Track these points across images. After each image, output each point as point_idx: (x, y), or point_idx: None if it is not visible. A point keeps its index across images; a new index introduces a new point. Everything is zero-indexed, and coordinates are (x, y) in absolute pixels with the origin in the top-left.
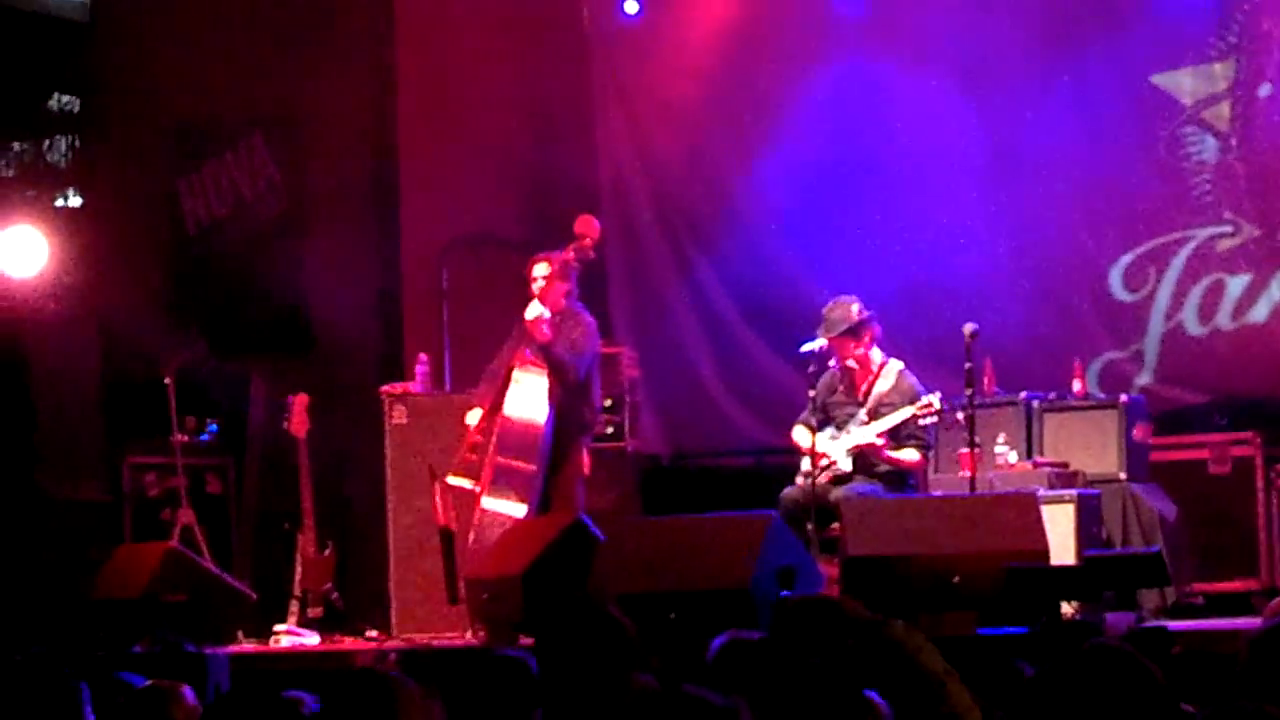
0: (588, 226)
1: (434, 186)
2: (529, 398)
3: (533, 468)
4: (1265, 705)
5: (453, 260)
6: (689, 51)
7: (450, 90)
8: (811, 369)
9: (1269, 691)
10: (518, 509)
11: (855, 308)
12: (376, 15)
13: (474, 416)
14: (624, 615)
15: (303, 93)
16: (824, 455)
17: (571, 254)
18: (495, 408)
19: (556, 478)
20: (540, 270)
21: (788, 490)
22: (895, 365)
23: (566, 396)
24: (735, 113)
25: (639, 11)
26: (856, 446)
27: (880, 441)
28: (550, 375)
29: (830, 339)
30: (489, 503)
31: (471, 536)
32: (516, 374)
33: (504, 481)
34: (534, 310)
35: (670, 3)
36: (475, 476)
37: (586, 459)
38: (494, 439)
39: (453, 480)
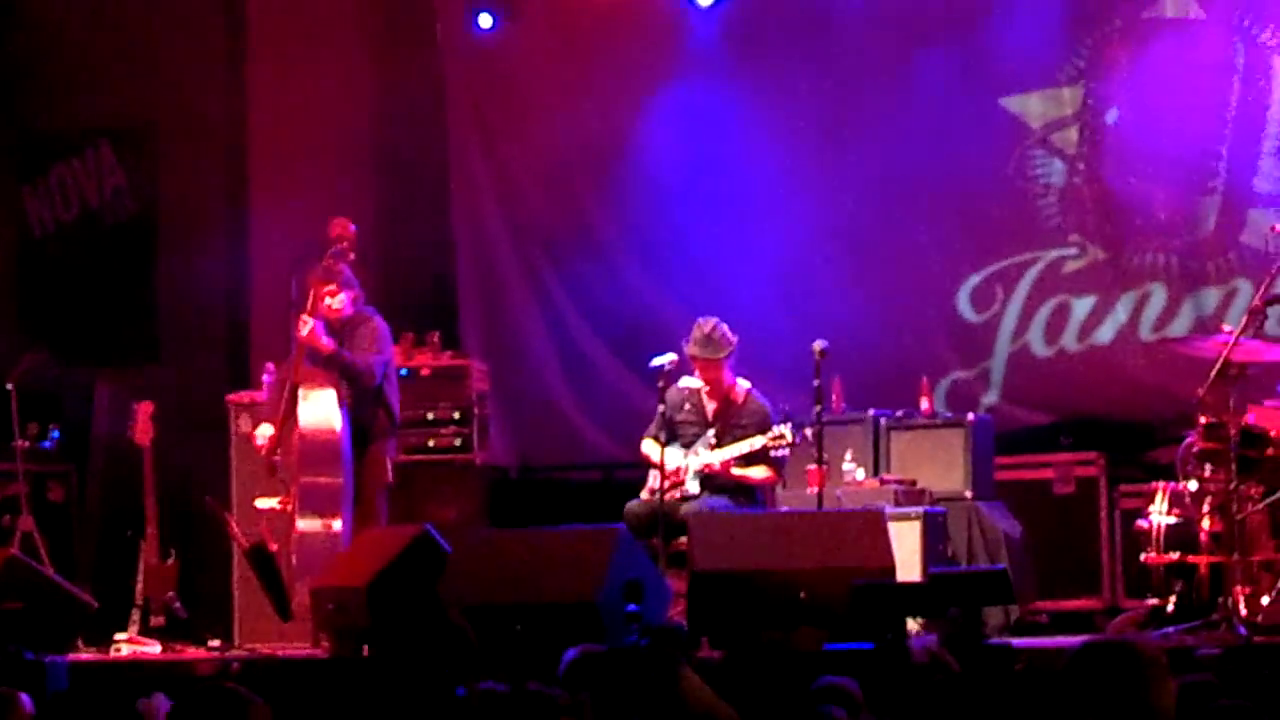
0: (343, 228)
1: (285, 196)
2: (320, 411)
3: (338, 480)
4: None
5: (302, 270)
6: (544, 68)
7: (303, 100)
8: (661, 384)
9: (1086, 708)
10: (333, 523)
11: (725, 331)
12: (229, 22)
13: (264, 432)
14: (466, 623)
15: (153, 99)
16: (674, 472)
17: (330, 260)
18: (287, 428)
19: (359, 487)
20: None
21: (631, 504)
22: (743, 385)
23: (362, 403)
24: (589, 131)
25: (493, 26)
26: (705, 468)
27: (722, 465)
28: (338, 385)
29: (704, 359)
30: (304, 524)
31: (294, 558)
32: (301, 391)
33: (312, 500)
34: (304, 326)
35: (526, 19)
36: (279, 494)
37: (389, 466)
38: (295, 459)
39: (261, 503)
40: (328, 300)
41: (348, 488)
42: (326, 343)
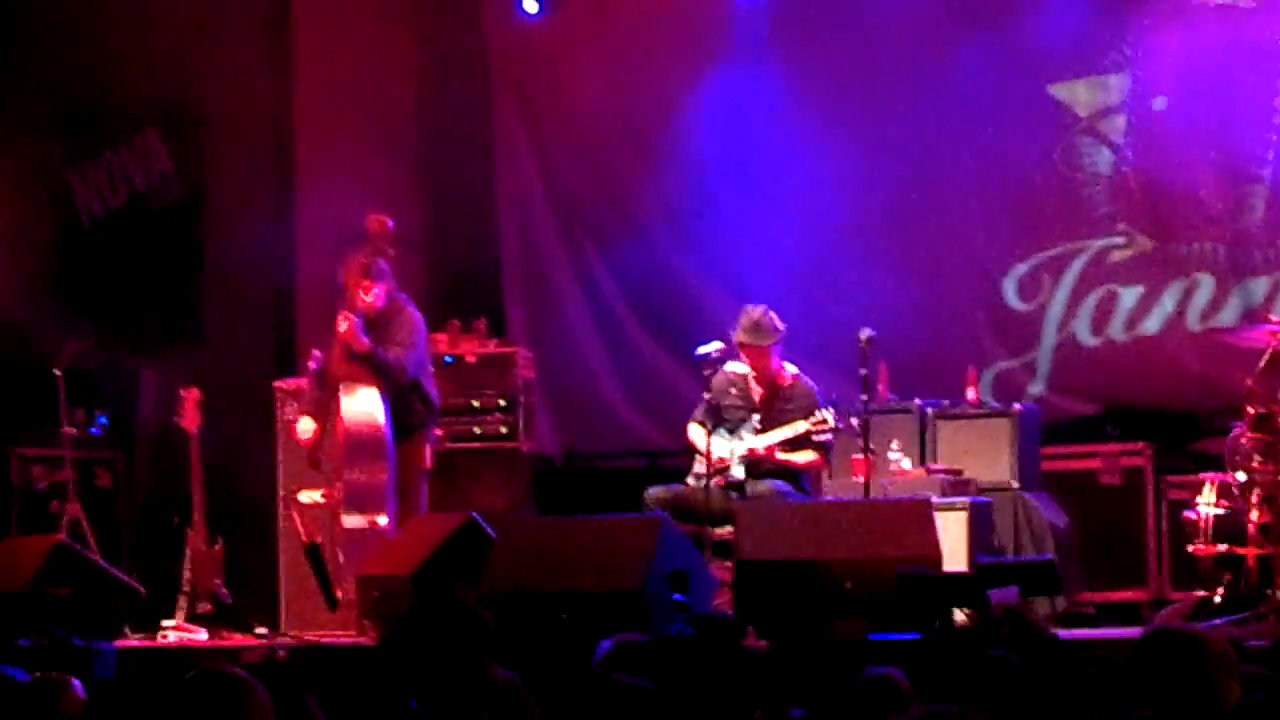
0: (380, 225)
1: (331, 182)
2: (362, 407)
3: (382, 476)
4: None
5: (349, 256)
6: (589, 52)
7: (349, 86)
8: (707, 372)
9: (1148, 697)
10: (378, 519)
11: (774, 319)
12: (274, 6)
13: (305, 427)
14: (485, 610)
15: (199, 85)
16: (720, 460)
17: (365, 256)
18: (329, 423)
19: (401, 477)
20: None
21: (651, 490)
22: (790, 369)
23: (400, 395)
24: (635, 115)
25: (539, 12)
26: (750, 452)
27: (765, 450)
28: (378, 379)
29: (752, 346)
30: (349, 520)
31: (340, 555)
32: (343, 386)
33: (357, 496)
34: (343, 323)
35: (570, 3)
36: (323, 487)
37: (429, 454)
38: (341, 456)
39: (304, 497)
40: (362, 295)
41: (391, 482)
42: (364, 341)
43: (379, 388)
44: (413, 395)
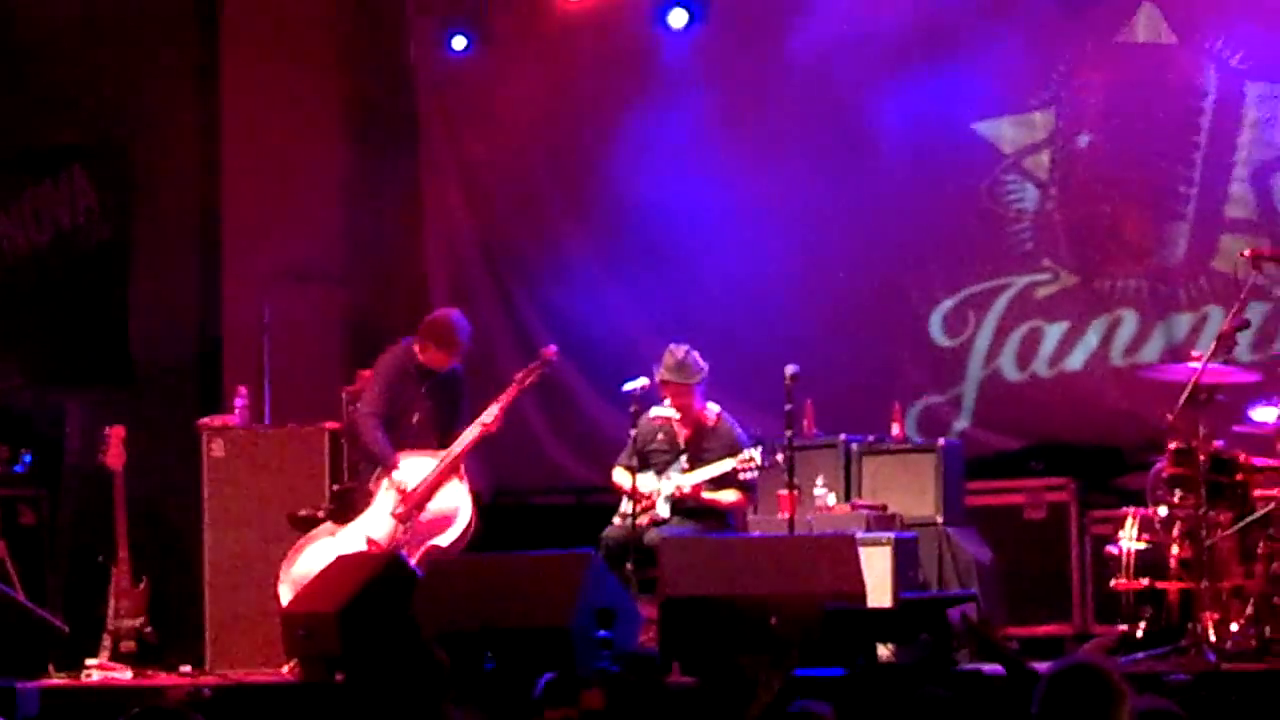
0: (554, 356)
1: (258, 220)
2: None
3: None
4: None
5: (274, 294)
6: (517, 91)
7: (276, 121)
8: (633, 408)
9: None
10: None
11: (697, 358)
12: (201, 43)
13: (404, 481)
14: (440, 650)
15: (125, 122)
16: (645, 496)
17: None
18: (420, 496)
19: None
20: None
21: (608, 530)
22: (714, 409)
23: None
24: (562, 153)
25: (467, 47)
26: (676, 492)
27: (693, 488)
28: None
29: (675, 384)
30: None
31: None
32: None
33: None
34: (498, 423)
35: (499, 41)
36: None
37: None
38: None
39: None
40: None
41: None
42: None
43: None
44: None
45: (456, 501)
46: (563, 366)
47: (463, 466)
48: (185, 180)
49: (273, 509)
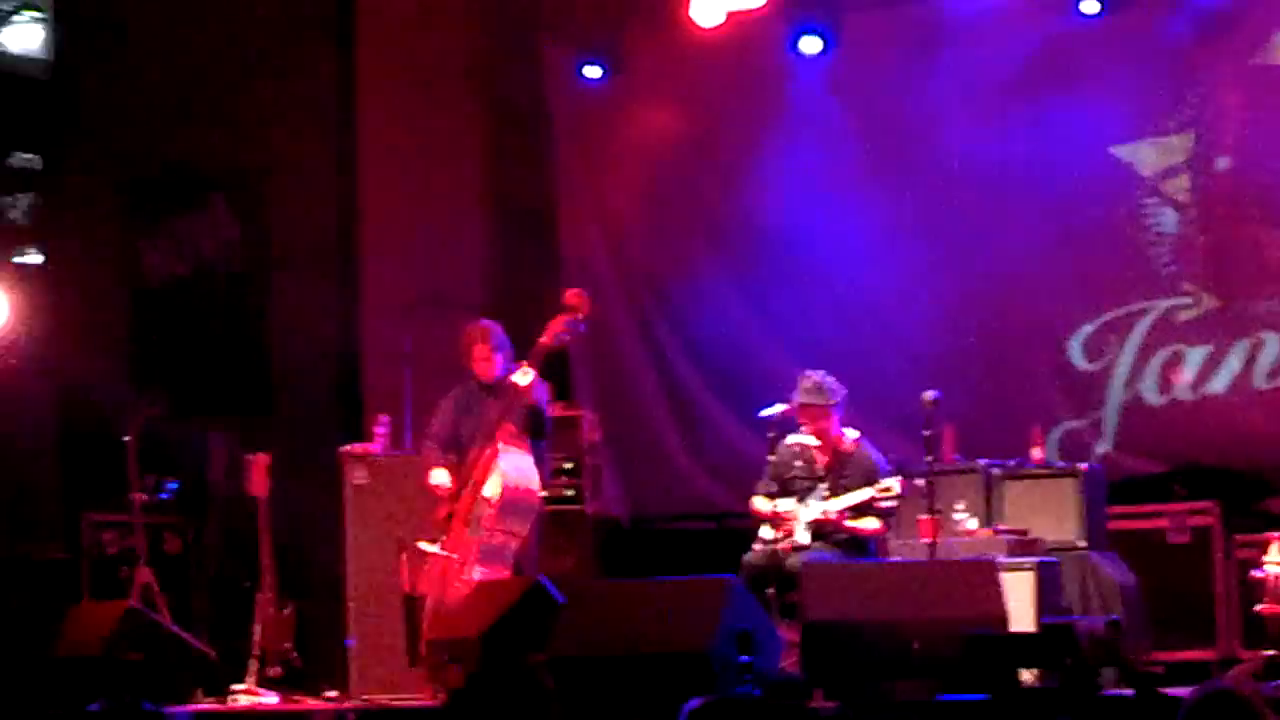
0: (580, 299)
1: (396, 247)
2: (522, 469)
3: (524, 535)
4: None
5: (415, 321)
6: (651, 119)
7: (414, 149)
8: (771, 434)
9: None
10: (504, 572)
11: (834, 382)
12: (339, 73)
13: (442, 478)
14: (545, 675)
15: (265, 151)
16: (787, 518)
17: (565, 327)
18: (475, 482)
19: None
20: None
21: (749, 555)
22: (852, 434)
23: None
24: (699, 178)
25: (601, 76)
26: (815, 520)
27: (837, 515)
28: (529, 444)
29: (808, 407)
30: (480, 574)
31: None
32: (503, 447)
33: (495, 554)
34: (527, 376)
35: (632, 70)
36: (449, 542)
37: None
38: (493, 513)
39: (426, 546)
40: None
41: (528, 541)
42: (537, 393)
43: (532, 454)
44: (542, 463)
45: (515, 473)
46: (701, 391)
47: (525, 444)
48: (324, 210)
49: (413, 535)
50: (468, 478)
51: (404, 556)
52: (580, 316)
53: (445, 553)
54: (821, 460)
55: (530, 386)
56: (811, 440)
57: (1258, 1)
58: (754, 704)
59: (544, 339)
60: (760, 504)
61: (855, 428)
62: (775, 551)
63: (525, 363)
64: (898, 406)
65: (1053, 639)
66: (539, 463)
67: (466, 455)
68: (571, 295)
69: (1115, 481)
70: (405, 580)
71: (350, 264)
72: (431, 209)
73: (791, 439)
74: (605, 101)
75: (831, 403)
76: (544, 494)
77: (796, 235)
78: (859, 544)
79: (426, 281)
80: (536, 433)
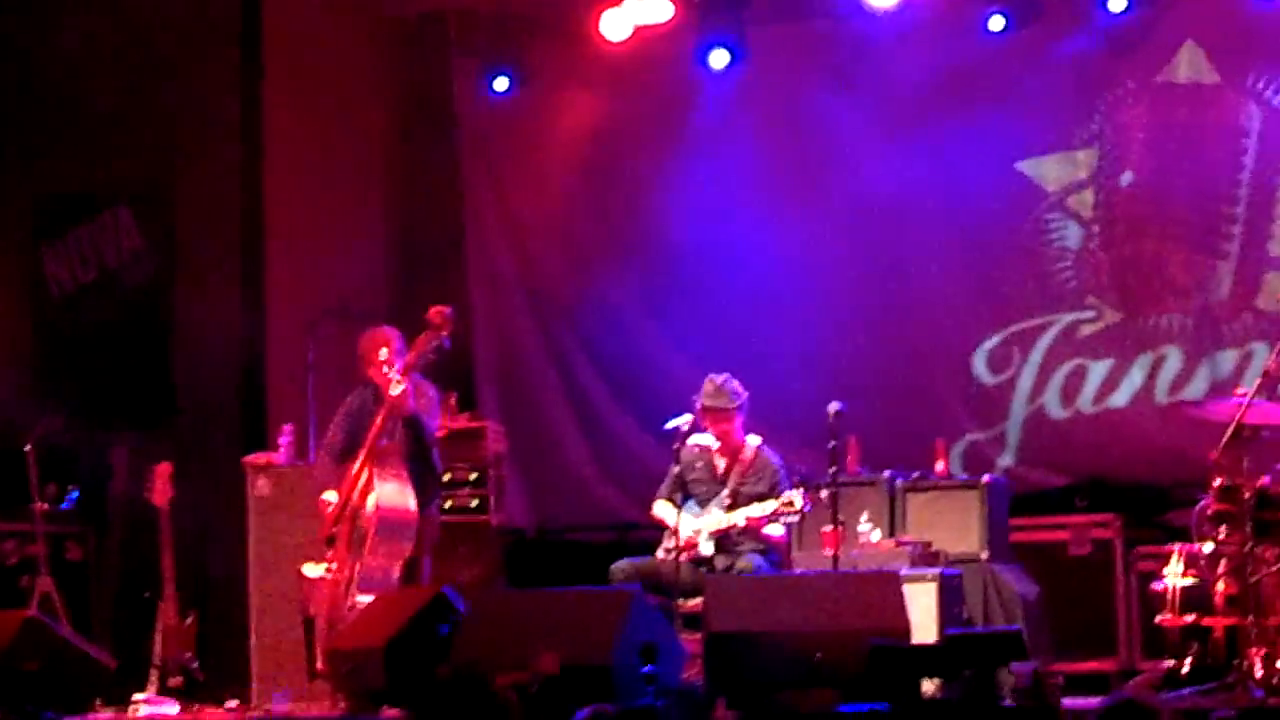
0: (444, 318)
1: (301, 258)
2: (397, 492)
3: (402, 559)
4: None
5: (318, 332)
6: (559, 132)
7: (318, 162)
8: (676, 445)
9: None
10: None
11: (737, 386)
12: (245, 86)
13: (332, 498)
14: (511, 693)
15: (170, 162)
16: (689, 537)
17: (430, 346)
18: (354, 503)
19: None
20: (382, 353)
21: (618, 563)
22: (753, 442)
23: (419, 469)
24: (605, 190)
25: (509, 89)
26: (718, 530)
27: (742, 523)
28: (406, 463)
29: (710, 410)
30: (363, 599)
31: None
32: (377, 471)
33: (374, 578)
34: (399, 387)
35: (541, 84)
36: (333, 564)
37: (438, 525)
38: (371, 538)
39: (309, 570)
40: (387, 370)
41: (410, 556)
42: (412, 404)
43: (407, 467)
44: (426, 468)
45: (388, 497)
46: (606, 404)
47: (400, 463)
48: (228, 219)
49: (316, 545)
50: (347, 498)
51: (303, 582)
52: (445, 334)
53: (329, 576)
54: (721, 463)
55: (403, 396)
56: (713, 442)
57: (1163, 19)
58: (658, 714)
59: (409, 357)
60: (662, 509)
61: (758, 435)
62: (678, 561)
63: (394, 377)
64: (802, 418)
65: (955, 650)
66: (428, 472)
67: (349, 469)
68: (434, 313)
69: (1018, 494)
70: (308, 605)
71: (254, 274)
72: (337, 219)
73: (694, 439)
74: (513, 113)
75: (733, 405)
76: (448, 504)
77: (702, 248)
78: (761, 552)
79: (331, 292)
80: (417, 442)
